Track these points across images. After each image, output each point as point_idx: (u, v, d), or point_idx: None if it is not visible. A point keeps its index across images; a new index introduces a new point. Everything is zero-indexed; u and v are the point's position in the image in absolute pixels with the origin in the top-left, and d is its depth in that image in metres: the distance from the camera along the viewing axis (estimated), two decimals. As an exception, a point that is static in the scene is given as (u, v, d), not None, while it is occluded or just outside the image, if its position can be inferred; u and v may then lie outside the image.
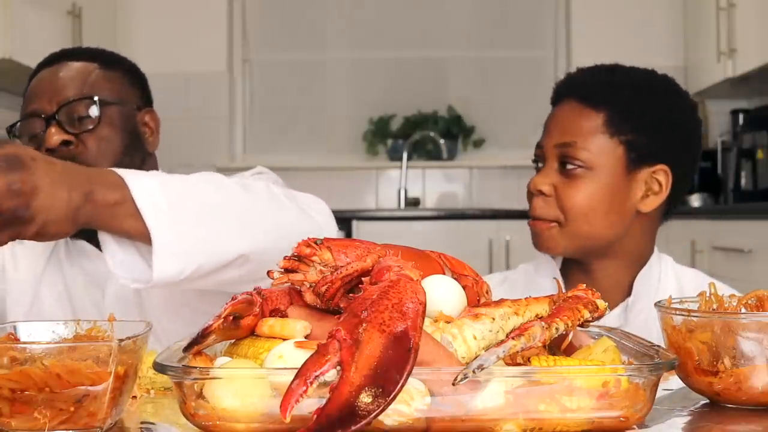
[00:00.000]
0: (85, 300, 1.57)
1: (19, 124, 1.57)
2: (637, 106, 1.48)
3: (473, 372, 0.73)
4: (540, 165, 1.53)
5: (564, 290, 1.51)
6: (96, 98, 1.55)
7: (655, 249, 1.55)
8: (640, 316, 1.48)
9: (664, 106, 1.50)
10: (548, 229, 1.47)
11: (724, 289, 1.51)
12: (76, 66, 1.58)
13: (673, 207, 1.54)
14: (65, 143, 1.50)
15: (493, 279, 1.70)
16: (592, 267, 1.52)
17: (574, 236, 1.47)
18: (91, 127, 1.52)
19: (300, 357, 0.74)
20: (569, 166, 1.46)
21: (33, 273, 1.59)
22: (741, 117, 4.54)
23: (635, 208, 1.48)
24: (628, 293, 1.51)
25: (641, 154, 1.46)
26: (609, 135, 1.45)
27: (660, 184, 1.48)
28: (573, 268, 1.55)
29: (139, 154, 1.61)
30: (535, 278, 1.60)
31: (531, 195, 1.51)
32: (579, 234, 1.47)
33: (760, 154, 4.15)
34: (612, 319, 1.48)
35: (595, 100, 1.47)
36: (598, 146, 1.45)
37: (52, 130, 1.51)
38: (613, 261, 1.51)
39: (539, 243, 1.51)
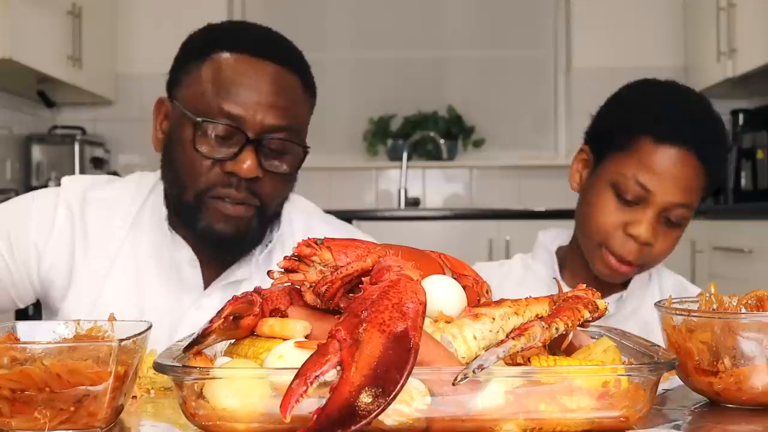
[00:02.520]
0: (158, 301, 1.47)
1: (201, 122, 1.37)
2: (723, 160, 1.53)
3: (473, 372, 0.73)
4: (633, 203, 1.46)
5: (561, 278, 1.56)
6: (307, 148, 1.46)
7: None
8: (631, 305, 1.57)
9: (728, 153, 1.59)
10: (630, 271, 1.50)
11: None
12: (286, 81, 1.43)
13: None
14: (254, 178, 1.38)
15: (488, 266, 1.75)
16: None
17: (647, 268, 1.54)
18: (287, 171, 1.43)
19: (300, 357, 0.75)
20: (673, 220, 1.46)
21: (101, 262, 1.48)
22: (741, 117, 4.54)
23: None
24: (622, 287, 1.58)
25: (708, 195, 1.53)
26: (704, 189, 1.48)
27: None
28: (573, 262, 1.60)
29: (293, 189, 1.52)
30: (533, 264, 1.65)
31: (628, 237, 1.46)
32: (651, 267, 1.54)
33: (760, 154, 4.15)
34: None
35: (708, 157, 1.46)
36: (699, 197, 1.48)
37: (249, 155, 1.36)
38: None
39: (606, 274, 1.51)
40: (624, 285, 1.58)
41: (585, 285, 0.91)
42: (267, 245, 1.53)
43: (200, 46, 1.45)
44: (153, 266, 1.49)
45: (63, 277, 1.48)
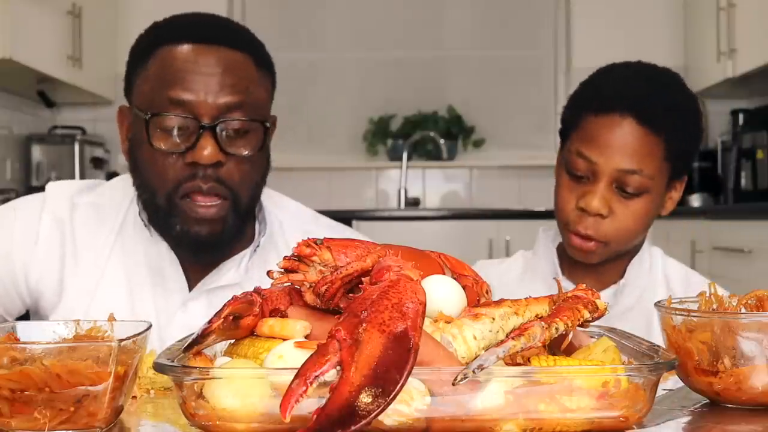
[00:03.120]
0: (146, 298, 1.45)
1: (151, 117, 1.33)
2: (689, 133, 1.51)
3: (473, 372, 0.73)
4: (584, 178, 1.47)
5: (561, 274, 1.56)
6: (267, 124, 1.39)
7: (647, 239, 1.60)
8: (629, 298, 1.56)
9: (699, 127, 1.54)
10: (594, 248, 1.48)
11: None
12: (234, 60, 1.36)
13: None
14: (216, 163, 1.33)
15: (489, 263, 1.75)
16: (602, 266, 1.56)
17: (615, 251, 1.51)
18: (250, 153, 1.36)
19: (300, 357, 0.74)
20: (629, 190, 1.45)
21: (93, 269, 1.45)
22: (741, 117, 4.54)
23: (658, 213, 1.54)
24: (621, 276, 1.58)
25: (680, 171, 1.51)
26: (665, 159, 1.46)
27: (677, 190, 1.55)
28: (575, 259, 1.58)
29: (264, 182, 1.46)
30: (534, 261, 1.65)
31: (580, 211, 1.47)
32: (618, 250, 1.51)
33: (760, 154, 4.15)
34: (604, 299, 1.50)
35: (655, 123, 1.44)
36: (655, 170, 1.46)
37: (207, 141, 1.32)
38: (618, 258, 1.56)
39: (579, 256, 1.51)
40: (620, 275, 1.57)
41: (584, 285, 0.91)
42: (255, 249, 1.49)
43: (145, 46, 1.42)
44: (143, 270, 1.46)
45: (53, 287, 1.44)
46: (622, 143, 1.43)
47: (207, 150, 1.32)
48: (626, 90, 1.48)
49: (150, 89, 1.36)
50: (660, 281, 1.59)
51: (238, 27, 1.48)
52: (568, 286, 1.48)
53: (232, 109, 1.35)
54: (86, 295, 1.43)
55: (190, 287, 1.46)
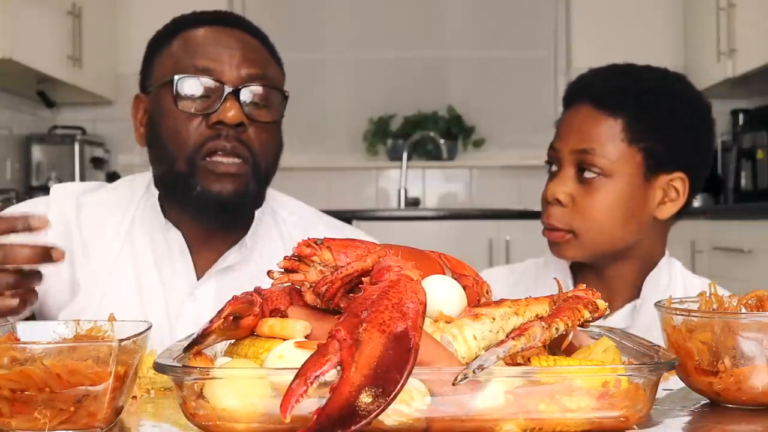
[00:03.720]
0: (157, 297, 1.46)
1: (179, 80, 1.39)
2: (655, 113, 1.45)
3: (473, 372, 0.73)
4: (554, 168, 1.49)
5: (573, 285, 1.52)
6: (286, 93, 1.47)
7: (666, 252, 1.55)
8: (647, 317, 1.46)
9: (681, 112, 1.48)
10: (563, 239, 1.45)
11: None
12: (252, 41, 1.46)
13: (685, 210, 1.52)
14: (239, 124, 1.39)
15: (498, 272, 1.70)
16: (605, 269, 1.51)
17: (589, 246, 1.45)
18: (270, 120, 1.43)
19: (300, 357, 0.75)
20: (587, 174, 1.43)
21: (103, 265, 1.47)
22: (741, 117, 4.54)
23: (652, 215, 1.47)
24: (637, 294, 1.51)
25: (659, 161, 1.45)
26: (627, 142, 1.43)
27: (677, 191, 1.47)
28: (584, 267, 1.54)
29: (278, 163, 1.51)
30: (545, 272, 1.58)
31: (546, 202, 1.47)
32: (594, 243, 1.45)
33: (760, 154, 4.15)
34: (619, 318, 1.48)
35: (611, 106, 1.44)
36: (617, 153, 1.42)
37: (232, 104, 1.38)
38: (625, 263, 1.50)
39: (554, 250, 1.49)
40: (637, 293, 1.51)
41: (584, 285, 0.91)
42: (258, 233, 1.52)
43: (167, 33, 1.48)
44: (150, 264, 1.47)
45: (62, 288, 1.45)
46: (577, 126, 1.45)
47: (232, 112, 1.38)
48: (588, 80, 1.51)
49: (174, 62, 1.43)
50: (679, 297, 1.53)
51: (252, 24, 1.55)
52: None
53: (254, 79, 1.42)
54: (98, 291, 1.45)
55: (198, 276, 1.48)
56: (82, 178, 4.65)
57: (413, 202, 5.11)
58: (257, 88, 1.42)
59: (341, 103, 5.27)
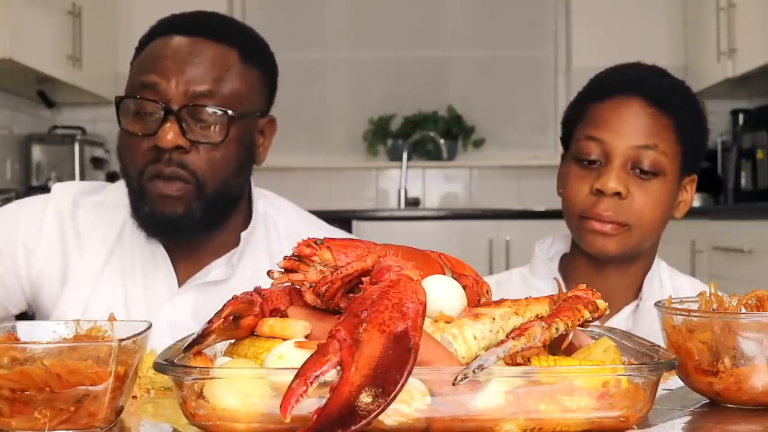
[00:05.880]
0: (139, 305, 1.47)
1: (120, 101, 1.37)
2: (696, 116, 1.49)
3: (473, 372, 0.73)
4: (596, 162, 1.43)
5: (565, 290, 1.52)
6: (231, 113, 1.37)
7: (657, 256, 1.56)
8: (647, 316, 1.46)
9: (703, 117, 1.53)
10: (618, 231, 1.42)
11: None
12: (215, 51, 1.38)
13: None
14: (178, 147, 1.34)
15: (488, 281, 1.68)
16: (610, 271, 1.50)
17: (635, 241, 1.44)
18: (216, 141, 1.36)
19: (300, 357, 0.74)
20: (645, 168, 1.41)
21: (95, 262, 1.48)
22: (741, 117, 4.54)
23: (672, 214, 1.50)
24: (634, 296, 1.51)
25: (690, 162, 1.48)
26: (677, 141, 1.44)
27: (688, 192, 1.51)
28: (579, 273, 1.51)
29: (247, 172, 1.46)
30: (534, 282, 1.56)
31: (597, 195, 1.42)
32: (642, 239, 1.44)
33: (760, 154, 4.15)
34: (621, 320, 1.48)
35: (666, 103, 1.43)
36: (671, 152, 1.43)
37: (170, 127, 1.33)
38: (633, 264, 1.50)
39: (597, 244, 1.44)
40: (635, 294, 1.51)
41: (584, 285, 0.91)
42: (245, 249, 1.50)
43: (141, 42, 1.47)
44: (137, 267, 1.48)
45: (55, 281, 1.48)
46: (634, 121, 1.41)
47: (169, 135, 1.33)
48: (631, 74, 1.48)
49: (131, 76, 1.42)
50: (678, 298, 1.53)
51: (231, 22, 1.52)
52: None
53: (202, 97, 1.36)
54: (87, 288, 1.46)
55: (180, 283, 1.49)
56: (82, 178, 4.65)
57: (413, 202, 5.11)
58: (200, 108, 1.36)
59: (341, 103, 5.27)
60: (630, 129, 1.41)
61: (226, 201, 1.44)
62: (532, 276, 1.57)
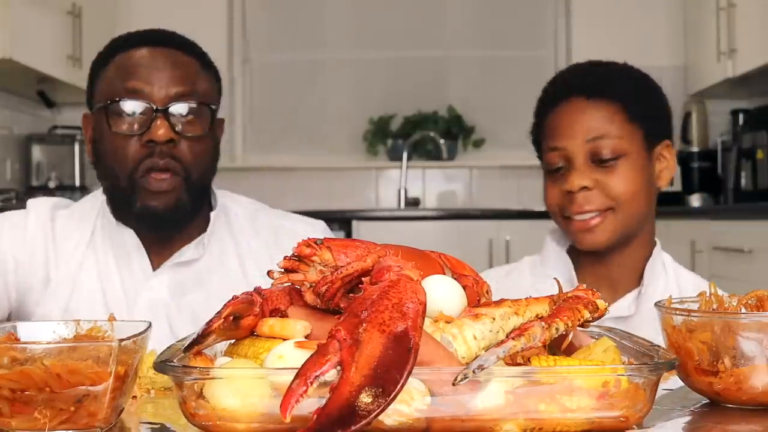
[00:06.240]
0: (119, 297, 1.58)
1: (111, 104, 1.52)
2: (643, 91, 1.57)
3: (473, 372, 0.73)
4: (562, 166, 1.54)
5: (577, 282, 1.55)
6: (213, 107, 1.57)
7: (658, 243, 1.61)
8: (650, 302, 1.48)
9: (655, 87, 1.61)
10: (599, 219, 1.51)
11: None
12: (183, 59, 1.57)
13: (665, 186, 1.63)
14: (170, 140, 1.50)
15: (496, 272, 1.73)
16: (611, 258, 1.57)
17: (625, 220, 1.52)
18: (200, 133, 1.53)
19: (300, 357, 0.75)
20: (606, 158, 1.50)
21: (71, 266, 1.60)
22: (741, 117, 4.54)
23: (656, 185, 1.58)
24: (637, 282, 1.57)
25: (654, 133, 1.55)
26: (629, 121, 1.52)
27: (666, 158, 1.58)
28: (585, 261, 1.59)
29: (216, 164, 1.62)
30: (544, 270, 1.62)
31: (569, 195, 1.52)
32: (631, 216, 1.52)
33: (760, 154, 4.15)
34: (624, 306, 1.55)
35: (606, 92, 1.52)
36: (624, 133, 1.51)
37: (161, 123, 1.49)
38: (631, 250, 1.57)
39: (587, 239, 1.52)
40: (637, 281, 1.57)
41: (585, 285, 0.91)
42: (213, 231, 1.62)
43: (104, 56, 1.62)
44: (110, 260, 1.59)
45: (39, 287, 1.58)
46: (581, 119, 1.52)
47: (161, 130, 1.49)
48: (568, 78, 1.62)
49: (109, 84, 1.55)
50: (674, 288, 1.56)
51: (184, 37, 1.66)
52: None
53: (182, 97, 1.53)
54: (67, 290, 1.57)
55: (154, 268, 1.60)
56: (82, 178, 4.65)
57: (413, 202, 5.11)
58: (184, 105, 1.52)
59: (341, 103, 5.27)
60: (579, 128, 1.51)
61: (203, 190, 1.61)
62: (542, 265, 1.64)
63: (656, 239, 1.61)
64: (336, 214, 4.38)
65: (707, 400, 0.95)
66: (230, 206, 1.70)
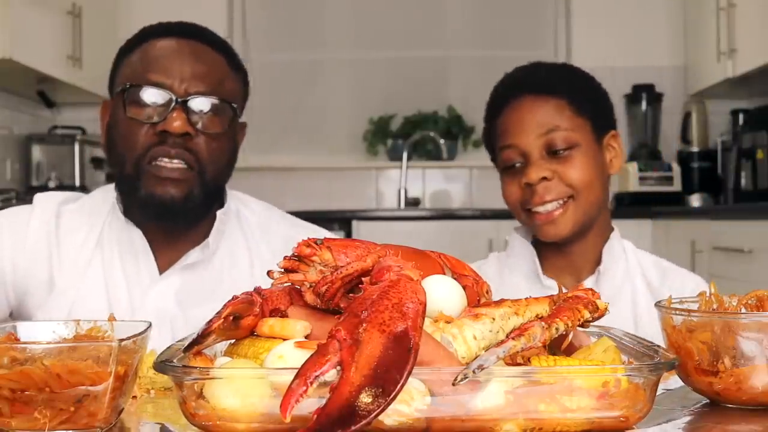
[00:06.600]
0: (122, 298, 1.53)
1: (129, 88, 1.46)
2: (585, 87, 1.65)
3: (473, 372, 0.73)
4: (519, 164, 1.59)
5: (541, 271, 1.62)
6: (234, 106, 1.51)
7: (615, 229, 1.69)
8: (611, 282, 1.62)
9: (595, 83, 1.69)
10: (561, 210, 1.56)
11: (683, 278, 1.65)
12: (212, 55, 1.52)
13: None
14: (185, 134, 1.44)
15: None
16: (572, 248, 1.64)
17: (585, 207, 1.58)
18: (218, 131, 1.48)
19: (300, 357, 0.75)
20: (561, 149, 1.56)
21: (77, 265, 1.54)
22: (741, 117, 4.54)
23: (608, 172, 1.65)
24: (596, 266, 1.64)
25: (600, 124, 1.63)
26: (577, 114, 1.58)
27: (614, 147, 1.65)
28: (548, 252, 1.66)
29: (233, 166, 1.57)
30: (508, 261, 1.71)
31: (529, 188, 1.57)
32: (589, 203, 1.59)
33: (760, 154, 4.15)
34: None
35: (552, 88, 1.59)
36: (574, 125, 1.58)
37: (178, 114, 1.44)
38: (589, 237, 1.64)
39: (549, 230, 1.58)
40: (595, 264, 1.64)
41: (584, 285, 0.91)
42: (222, 232, 1.58)
43: (132, 42, 1.55)
44: (117, 261, 1.54)
45: (40, 288, 1.52)
46: (531, 115, 1.58)
47: (177, 121, 1.44)
48: (514, 79, 1.67)
49: (131, 71, 1.50)
50: (635, 269, 1.65)
51: (216, 34, 1.61)
52: (549, 284, 1.61)
53: (203, 92, 1.47)
54: (72, 290, 1.51)
55: (161, 272, 1.55)
56: (82, 178, 4.65)
57: (413, 202, 5.11)
58: (205, 99, 1.47)
59: (341, 103, 5.27)
60: (531, 123, 1.58)
61: (216, 191, 1.55)
62: (508, 257, 1.72)
63: (614, 226, 1.69)
64: (336, 214, 4.38)
65: (707, 400, 0.95)
66: (241, 211, 1.65)
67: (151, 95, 1.46)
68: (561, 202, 1.56)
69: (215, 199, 1.57)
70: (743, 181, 4.28)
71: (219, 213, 1.57)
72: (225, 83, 1.51)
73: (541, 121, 1.57)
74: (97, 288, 1.52)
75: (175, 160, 1.45)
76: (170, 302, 1.51)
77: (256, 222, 1.65)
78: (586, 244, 1.64)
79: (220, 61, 1.53)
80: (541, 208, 1.57)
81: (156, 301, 1.51)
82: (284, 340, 0.83)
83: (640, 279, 1.63)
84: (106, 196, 1.60)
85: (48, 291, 1.52)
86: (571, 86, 1.62)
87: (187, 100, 1.45)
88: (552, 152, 1.56)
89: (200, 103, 1.47)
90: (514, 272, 1.67)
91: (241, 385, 0.76)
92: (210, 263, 1.56)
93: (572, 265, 1.64)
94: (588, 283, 1.62)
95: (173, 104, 1.44)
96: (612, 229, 1.67)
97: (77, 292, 1.51)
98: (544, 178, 1.55)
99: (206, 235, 1.56)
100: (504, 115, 1.61)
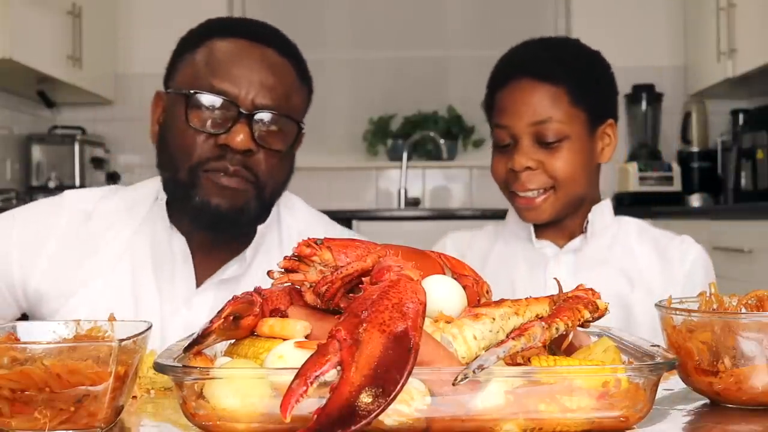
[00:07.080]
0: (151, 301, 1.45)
1: (193, 95, 1.37)
2: (588, 76, 1.64)
3: (473, 372, 0.73)
4: (508, 143, 1.61)
5: (534, 238, 1.66)
6: (301, 124, 1.46)
7: (608, 199, 1.72)
8: (600, 242, 1.66)
9: (602, 70, 1.69)
10: (543, 197, 1.60)
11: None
12: (282, 64, 1.44)
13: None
14: (247, 150, 1.37)
15: (460, 235, 1.85)
16: (565, 220, 1.67)
17: (565, 198, 1.61)
18: (280, 148, 1.41)
19: (300, 357, 0.75)
20: (550, 141, 1.58)
21: (103, 266, 1.46)
22: (741, 117, 4.54)
23: (597, 161, 1.67)
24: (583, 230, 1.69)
25: (597, 115, 1.64)
26: (573, 105, 1.59)
27: (610, 136, 1.67)
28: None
29: (287, 184, 1.51)
30: (505, 229, 1.75)
31: (513, 173, 1.60)
32: (570, 195, 1.62)
33: (760, 154, 4.15)
34: (576, 242, 1.67)
35: (552, 76, 1.59)
36: (567, 117, 1.58)
37: (241, 128, 1.37)
38: (579, 211, 1.67)
39: (531, 215, 1.63)
40: (583, 230, 1.67)
41: (585, 285, 0.91)
42: (261, 245, 1.50)
43: (197, 36, 1.47)
44: (149, 269, 1.46)
45: (59, 292, 1.44)
46: (527, 101, 1.59)
47: (240, 136, 1.36)
48: (518, 57, 1.68)
49: (194, 72, 1.41)
50: (619, 236, 1.68)
51: (287, 37, 1.54)
52: (539, 245, 1.66)
53: (270, 106, 1.40)
54: (95, 294, 1.44)
55: (198, 284, 1.47)
56: (82, 178, 4.65)
57: (413, 202, 5.11)
58: (271, 116, 1.40)
59: (341, 103, 5.27)
60: (526, 109, 1.59)
61: (270, 205, 1.49)
62: (504, 225, 1.76)
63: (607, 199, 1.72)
64: (336, 214, 4.36)
65: (707, 400, 0.95)
66: (284, 218, 1.58)
67: (215, 104, 1.38)
68: (542, 190, 1.60)
69: (268, 213, 1.50)
70: (743, 181, 4.27)
71: (260, 228, 1.49)
72: (292, 97, 1.45)
73: (535, 109, 1.58)
74: (124, 295, 1.44)
75: (233, 179, 1.38)
76: (203, 317, 1.40)
77: (297, 231, 1.57)
78: (579, 214, 1.67)
79: (288, 70, 1.45)
80: (522, 194, 1.61)
81: (189, 316, 1.44)
82: (284, 340, 0.83)
83: (631, 240, 1.68)
84: (146, 191, 1.52)
85: (67, 296, 1.44)
86: (572, 73, 1.61)
87: (254, 114, 1.38)
88: (541, 142, 1.58)
89: (266, 118, 1.40)
90: (510, 238, 1.72)
91: (241, 385, 0.76)
92: (244, 278, 1.47)
93: (566, 229, 1.68)
94: (572, 245, 1.66)
95: (238, 116, 1.37)
96: (600, 198, 1.70)
97: (100, 296, 1.43)
98: (528, 168, 1.58)
99: (245, 245, 1.48)
100: (502, 93, 1.63)
